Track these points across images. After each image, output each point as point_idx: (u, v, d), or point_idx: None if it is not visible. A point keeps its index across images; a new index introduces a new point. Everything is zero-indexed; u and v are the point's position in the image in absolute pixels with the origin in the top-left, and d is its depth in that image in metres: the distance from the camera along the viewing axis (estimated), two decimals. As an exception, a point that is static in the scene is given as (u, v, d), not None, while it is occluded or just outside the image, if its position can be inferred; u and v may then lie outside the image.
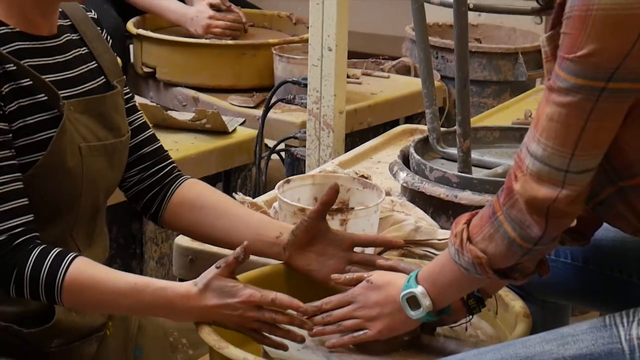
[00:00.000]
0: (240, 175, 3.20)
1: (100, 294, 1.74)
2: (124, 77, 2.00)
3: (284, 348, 1.73)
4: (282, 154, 3.47)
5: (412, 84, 3.74)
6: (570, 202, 1.49)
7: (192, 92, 3.71)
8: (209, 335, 1.72)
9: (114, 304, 1.77)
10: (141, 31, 3.83)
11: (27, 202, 1.76)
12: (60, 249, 1.76)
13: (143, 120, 2.05)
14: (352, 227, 2.05)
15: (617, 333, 1.50)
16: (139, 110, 2.06)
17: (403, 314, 1.69)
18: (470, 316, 1.78)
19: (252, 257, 2.03)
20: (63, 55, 1.89)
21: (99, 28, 2.00)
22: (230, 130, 3.13)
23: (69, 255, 1.75)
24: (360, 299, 1.73)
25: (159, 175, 2.02)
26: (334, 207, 2.14)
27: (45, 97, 1.80)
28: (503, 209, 1.54)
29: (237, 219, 1.98)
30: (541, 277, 1.68)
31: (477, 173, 2.37)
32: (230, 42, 3.78)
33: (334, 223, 2.05)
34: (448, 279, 1.65)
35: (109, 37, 2.03)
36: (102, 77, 1.95)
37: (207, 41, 3.79)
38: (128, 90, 2.04)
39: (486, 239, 1.57)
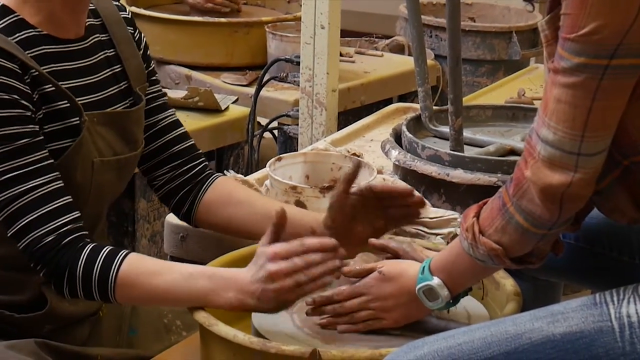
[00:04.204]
0: (232, 153, 3.20)
1: (155, 286, 1.73)
2: (147, 83, 1.97)
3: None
4: (275, 132, 3.47)
5: (406, 63, 3.73)
6: (584, 185, 1.48)
7: (185, 70, 3.70)
8: (199, 312, 1.71)
9: (166, 295, 1.74)
10: (134, 9, 3.81)
11: (70, 200, 1.76)
12: (111, 247, 1.75)
13: (174, 118, 2.03)
14: (344, 205, 2.04)
15: (607, 311, 1.49)
16: (170, 109, 2.04)
17: (418, 302, 1.70)
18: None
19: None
20: (87, 60, 1.87)
21: (131, 28, 1.98)
22: (222, 109, 3.13)
23: (121, 253, 1.74)
24: (374, 290, 1.73)
25: (190, 174, 2.00)
26: (326, 185, 2.14)
27: (67, 105, 1.79)
28: (513, 200, 1.53)
29: (271, 213, 1.93)
30: (557, 256, 1.67)
31: (469, 151, 2.37)
32: (223, 20, 3.77)
33: (325, 201, 2.05)
34: (464, 268, 1.66)
35: (143, 37, 2.01)
36: (125, 82, 1.93)
37: (200, 19, 3.78)
38: (159, 88, 2.02)
39: (499, 230, 1.57)
